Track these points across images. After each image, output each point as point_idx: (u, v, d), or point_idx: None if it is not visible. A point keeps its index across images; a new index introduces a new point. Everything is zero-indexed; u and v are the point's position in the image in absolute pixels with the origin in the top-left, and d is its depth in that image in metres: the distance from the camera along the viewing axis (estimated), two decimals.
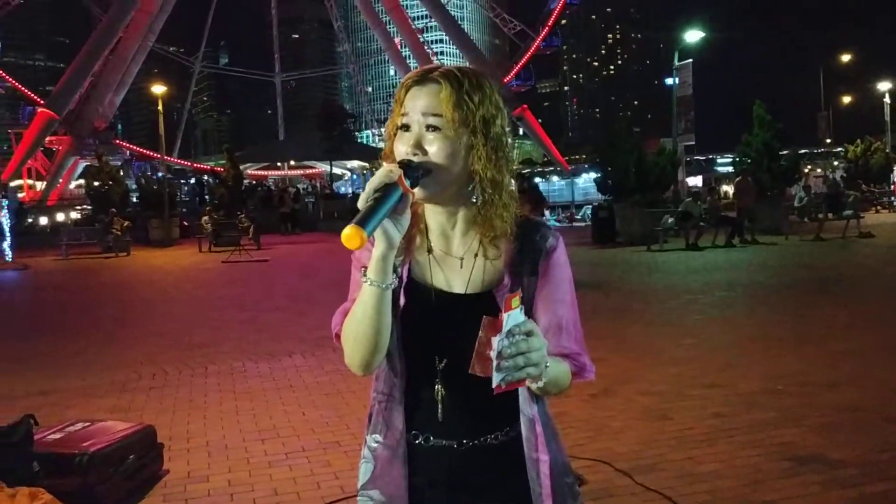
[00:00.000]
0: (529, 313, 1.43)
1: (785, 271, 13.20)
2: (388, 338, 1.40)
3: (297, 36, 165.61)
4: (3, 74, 56.10)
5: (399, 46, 73.17)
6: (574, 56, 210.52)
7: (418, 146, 1.40)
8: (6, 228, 20.89)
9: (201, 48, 76.12)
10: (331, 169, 48.17)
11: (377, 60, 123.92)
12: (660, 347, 7.32)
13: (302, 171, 57.47)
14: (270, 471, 4.39)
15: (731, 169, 28.09)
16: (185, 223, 28.49)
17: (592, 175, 29.62)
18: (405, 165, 1.35)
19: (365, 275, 1.35)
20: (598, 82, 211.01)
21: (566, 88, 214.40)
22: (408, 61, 72.59)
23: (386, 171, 1.31)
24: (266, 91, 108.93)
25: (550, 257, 1.50)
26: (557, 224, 31.58)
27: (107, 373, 7.12)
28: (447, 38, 74.19)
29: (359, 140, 72.42)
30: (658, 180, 21.32)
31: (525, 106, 64.24)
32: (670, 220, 18.53)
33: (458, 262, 1.49)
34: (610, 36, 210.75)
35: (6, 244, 20.34)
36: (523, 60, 66.78)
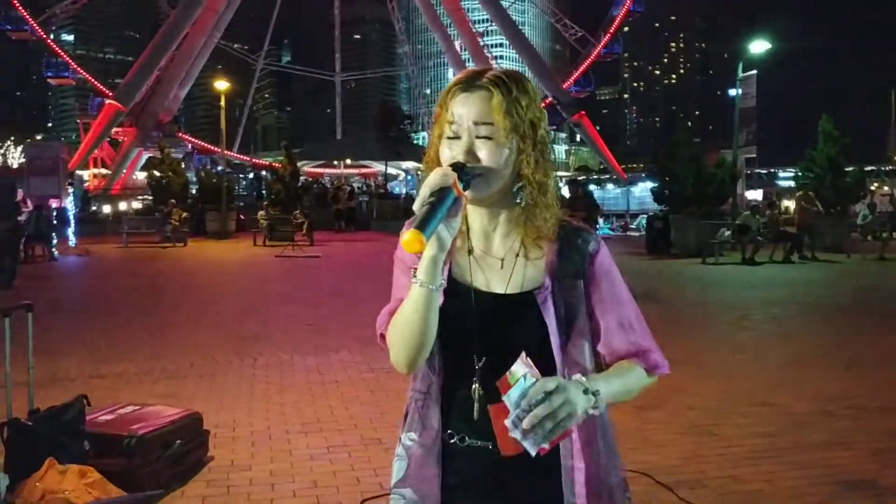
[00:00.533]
0: (581, 314, 1.47)
1: (844, 291, 12.83)
2: (433, 338, 1.42)
3: (358, 37, 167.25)
4: (75, 66, 57.90)
5: (459, 49, 73.37)
6: (636, 64, 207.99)
7: (469, 153, 1.42)
8: (70, 215, 21.57)
9: (265, 46, 77.64)
10: (385, 169, 48.51)
11: (436, 63, 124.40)
12: (709, 362, 7.18)
13: (357, 171, 57.99)
14: (311, 463, 4.45)
15: (793, 184, 27.38)
16: (242, 217, 28.99)
17: (649, 184, 29.19)
18: (458, 168, 1.37)
19: (415, 276, 1.36)
20: (659, 91, 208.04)
21: (626, 96, 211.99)
22: (467, 64, 72.76)
23: (441, 174, 1.32)
24: (326, 90, 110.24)
25: (595, 260, 1.51)
26: (611, 233, 31.25)
27: (159, 359, 7.30)
28: (507, 42, 73.98)
29: (415, 142, 72.86)
30: (716, 192, 20.91)
31: (583, 112, 63.72)
32: (727, 232, 18.17)
33: (498, 262, 1.50)
34: (673, 45, 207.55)
35: (70, 230, 21.00)
36: (583, 67, 66.29)
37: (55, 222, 19.13)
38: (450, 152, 1.43)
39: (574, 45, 73.00)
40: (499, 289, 1.48)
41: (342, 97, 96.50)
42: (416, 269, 1.37)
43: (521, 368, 1.29)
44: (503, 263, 1.49)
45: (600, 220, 31.32)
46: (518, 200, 1.48)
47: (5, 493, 3.21)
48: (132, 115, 52.74)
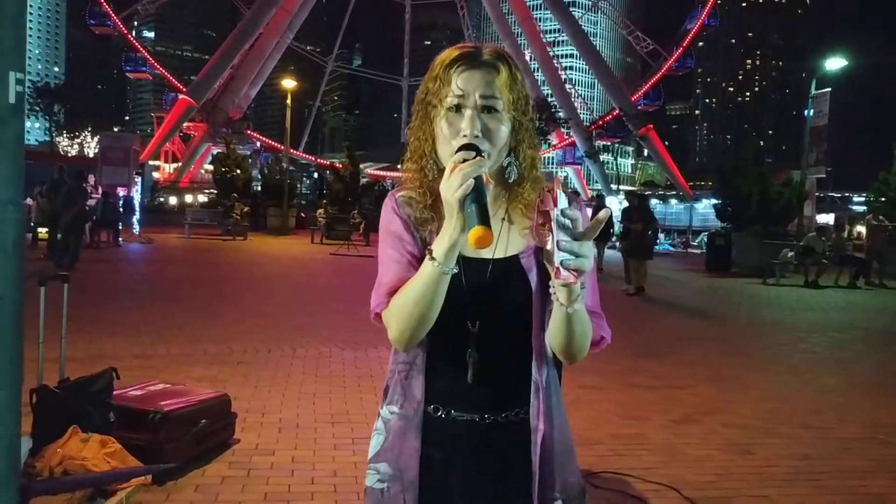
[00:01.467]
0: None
1: None
2: (436, 315, 1.40)
3: (428, 42, 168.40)
4: (153, 61, 59.88)
5: (528, 58, 73.22)
6: (709, 79, 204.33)
7: (477, 127, 1.42)
8: (136, 205, 22.23)
9: (335, 49, 78.82)
10: None
11: None
12: (755, 382, 6.95)
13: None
14: (334, 453, 4.44)
15: (866, 208, 26.44)
16: (303, 214, 29.49)
17: (714, 201, 28.58)
18: (474, 149, 1.36)
19: (431, 256, 1.35)
20: (732, 108, 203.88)
21: (697, 112, 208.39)
22: (535, 74, 72.58)
23: (476, 163, 1.31)
24: (394, 94, 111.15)
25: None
26: (672, 249, 30.69)
27: (203, 344, 7.43)
28: (577, 52, 73.51)
29: None
30: (782, 211, 20.40)
31: (650, 126, 62.89)
32: (790, 253, 17.64)
33: None
34: (749, 61, 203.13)
35: (135, 219, 21.64)
36: (653, 80, 65.48)
37: (121, 210, 19.71)
38: (452, 127, 1.43)
39: (645, 57, 72.18)
40: (486, 254, 1.46)
41: (409, 102, 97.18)
42: (430, 249, 1.36)
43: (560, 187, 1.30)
44: None
45: (661, 236, 30.80)
46: (506, 175, 1.50)
47: (29, 456, 3.28)
48: (203, 111, 54.24)
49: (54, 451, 3.23)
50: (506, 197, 1.52)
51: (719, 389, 6.55)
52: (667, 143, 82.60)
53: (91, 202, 15.90)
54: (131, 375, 5.93)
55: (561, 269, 1.24)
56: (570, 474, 1.54)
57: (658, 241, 26.09)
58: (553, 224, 1.26)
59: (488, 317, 1.44)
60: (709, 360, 7.89)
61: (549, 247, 1.28)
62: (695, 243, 31.03)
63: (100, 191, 16.76)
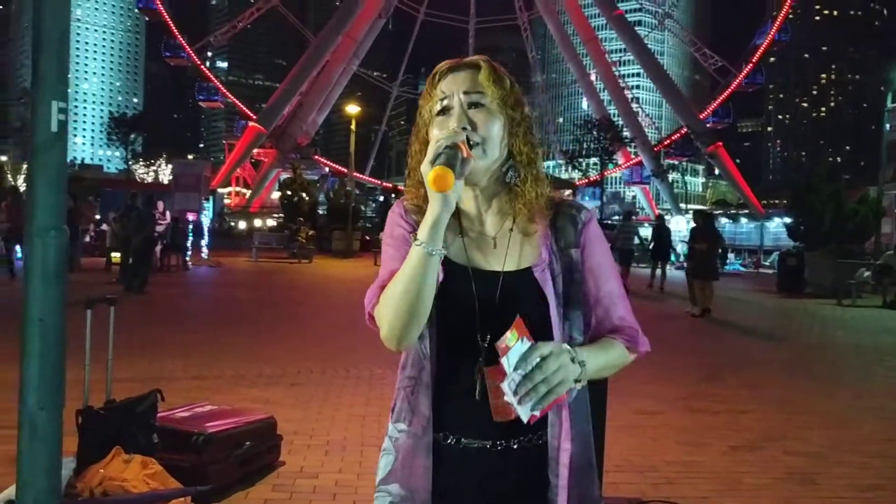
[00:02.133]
0: (576, 283, 1.46)
1: None
2: (428, 309, 1.36)
3: None
4: (224, 90, 61.77)
5: (593, 78, 72.81)
6: (781, 95, 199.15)
7: (464, 121, 1.41)
8: (205, 229, 22.84)
9: (400, 74, 79.90)
10: None
11: (570, 91, 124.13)
12: (824, 407, 6.62)
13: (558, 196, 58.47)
14: None
15: None
16: (367, 237, 29.78)
17: (786, 220, 27.72)
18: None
19: (415, 238, 1.33)
20: (806, 124, 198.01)
21: (770, 129, 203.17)
22: (600, 94, 72.08)
23: (451, 131, 1.36)
24: None
25: (588, 228, 1.50)
26: (742, 269, 29.83)
27: (259, 366, 7.51)
28: (643, 71, 72.73)
29: (545, 170, 72.51)
30: (857, 229, 19.60)
31: (719, 143, 61.62)
32: (867, 273, 16.91)
33: (491, 241, 1.48)
34: (824, 76, 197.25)
35: (204, 243, 22.22)
36: (722, 97, 64.24)
37: (191, 235, 20.28)
38: (441, 130, 1.42)
39: (714, 74, 70.94)
40: (496, 267, 1.45)
41: None
42: (415, 233, 1.35)
43: (517, 332, 1.29)
44: (496, 242, 1.48)
45: (731, 256, 30.00)
46: (508, 180, 1.48)
47: (72, 476, 3.33)
48: (272, 137, 55.62)
49: (96, 472, 3.28)
50: (511, 204, 1.48)
51: (784, 414, 6.27)
52: (738, 160, 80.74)
53: (159, 227, 16.38)
54: (187, 396, 6.05)
55: (537, 414, 1.27)
56: (588, 487, 1.49)
57: (728, 261, 25.40)
58: (509, 385, 1.26)
59: (499, 331, 1.36)
60: (775, 383, 7.58)
61: (508, 401, 1.28)
62: (766, 263, 30.07)
63: (167, 216, 17.26)
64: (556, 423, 1.42)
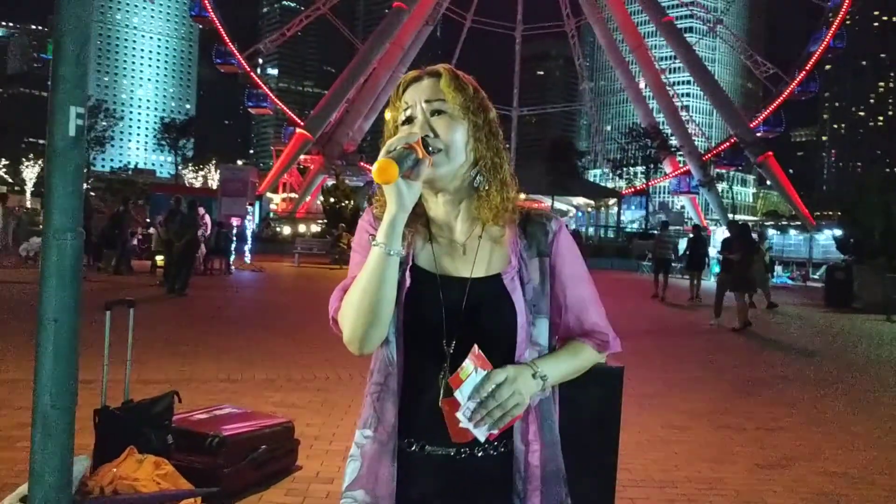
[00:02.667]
0: (545, 291, 1.48)
1: None
2: (390, 311, 1.38)
3: (541, 73, 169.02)
4: (273, 97, 62.74)
5: (641, 86, 72.08)
6: (837, 104, 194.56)
7: (425, 128, 1.44)
8: (248, 234, 23.18)
9: None
10: (552, 203, 48.27)
11: (618, 100, 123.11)
12: (860, 427, 6.42)
13: (528, 205, 58.21)
14: None
15: None
16: None
17: (836, 232, 27.03)
18: (422, 139, 1.40)
19: (373, 240, 1.36)
20: (863, 134, 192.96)
21: (825, 138, 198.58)
22: (648, 101, 71.31)
23: (406, 132, 1.38)
24: (505, 124, 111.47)
25: (559, 237, 1.52)
26: (790, 282, 29.16)
27: (289, 370, 7.59)
28: (692, 78, 71.75)
29: (590, 178, 72.07)
30: None
31: (770, 153, 60.38)
32: None
33: (461, 248, 1.49)
34: (881, 84, 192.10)
35: (247, 247, 22.55)
36: (773, 106, 63.10)
37: (234, 239, 20.60)
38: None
39: (765, 82, 69.71)
40: (465, 273, 1.46)
41: (522, 131, 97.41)
42: (373, 235, 1.37)
43: (473, 362, 1.33)
44: (465, 249, 1.49)
45: (778, 268, 29.31)
46: (476, 185, 1.48)
47: (88, 474, 3.40)
48: (319, 143, 56.26)
49: (108, 471, 3.34)
50: (479, 210, 1.49)
51: (818, 434, 6.09)
52: (790, 170, 79.13)
53: (199, 232, 16.66)
54: (216, 398, 6.14)
55: (495, 433, 1.35)
56: (558, 493, 1.50)
57: (773, 273, 24.83)
58: (463, 414, 1.32)
59: (467, 338, 1.39)
60: (811, 401, 7.38)
61: (464, 426, 1.34)
62: (815, 276, 29.36)
63: (206, 220, 17.54)
64: (521, 430, 1.44)
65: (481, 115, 1.48)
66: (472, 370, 1.32)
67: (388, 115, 1.52)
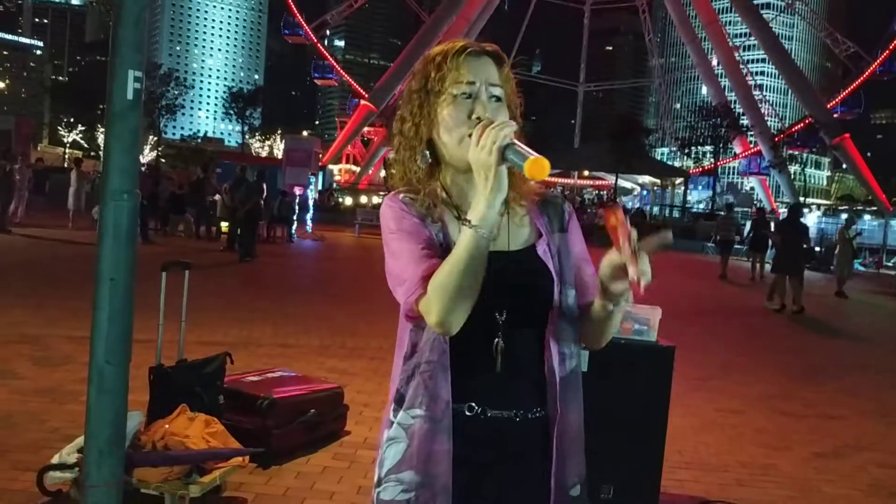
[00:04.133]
0: (567, 263, 1.56)
1: None
2: (478, 291, 1.40)
3: (610, 48, 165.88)
4: (339, 68, 63.09)
5: (714, 63, 70.07)
6: None
7: (489, 111, 1.46)
8: (310, 204, 23.47)
9: (512, 55, 79.11)
10: (616, 181, 47.52)
11: (689, 77, 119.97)
12: None
13: (591, 182, 57.47)
14: None
15: None
16: None
17: None
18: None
19: (469, 224, 1.35)
20: None
21: None
22: (720, 79, 69.31)
23: (506, 123, 1.37)
24: (573, 100, 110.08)
25: (573, 217, 1.62)
26: (862, 269, 28.12)
27: (343, 337, 7.69)
28: (766, 56, 69.39)
29: (657, 157, 70.61)
30: None
31: (846, 135, 58.13)
32: None
33: None
34: None
35: (309, 217, 22.84)
36: (852, 86, 60.71)
37: (297, 208, 20.89)
38: (459, 113, 1.46)
39: (845, 62, 67.02)
40: (501, 247, 1.49)
41: (589, 107, 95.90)
42: (465, 219, 1.36)
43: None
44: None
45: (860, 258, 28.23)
46: (508, 166, 1.45)
47: (142, 429, 3.51)
48: (383, 116, 56.39)
49: (160, 427, 3.43)
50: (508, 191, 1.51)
51: (880, 424, 5.90)
52: (868, 154, 76.15)
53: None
54: (270, 362, 6.26)
55: (639, 283, 1.33)
56: (580, 457, 1.56)
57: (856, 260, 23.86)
58: (629, 244, 1.31)
59: (514, 307, 1.45)
60: (875, 390, 7.14)
61: (627, 265, 1.32)
62: (888, 264, 28.27)
63: (264, 189, 17.85)
64: (553, 397, 1.50)
65: (517, 102, 1.55)
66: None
67: (426, 77, 1.49)
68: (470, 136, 1.39)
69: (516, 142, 1.34)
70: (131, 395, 3.84)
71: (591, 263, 1.58)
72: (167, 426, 3.47)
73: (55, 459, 3.44)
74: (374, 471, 1.53)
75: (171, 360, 4.09)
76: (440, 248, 1.44)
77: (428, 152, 1.52)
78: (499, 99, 1.48)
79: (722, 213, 24.65)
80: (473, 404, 1.45)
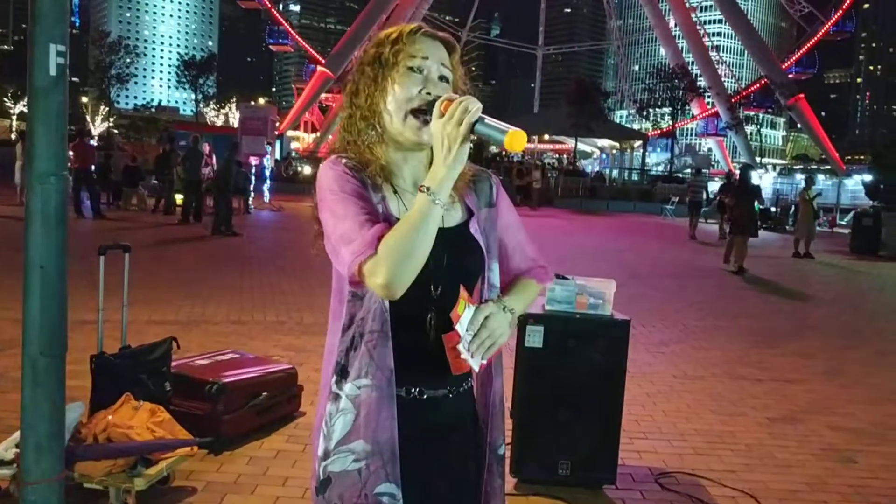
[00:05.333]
0: (494, 237, 1.64)
1: None
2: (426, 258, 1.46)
3: (568, 10, 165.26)
4: (294, 34, 61.86)
5: (671, 25, 70.20)
6: (874, 45, 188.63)
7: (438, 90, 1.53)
8: (268, 173, 23.06)
9: (469, 18, 78.53)
10: (575, 145, 47.63)
11: (647, 38, 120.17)
12: (880, 380, 6.28)
13: (552, 146, 57.53)
14: None
15: None
16: None
17: (866, 178, 26.42)
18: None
19: (429, 192, 1.39)
20: None
21: (859, 80, 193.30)
22: (678, 41, 69.52)
23: (471, 98, 1.42)
24: (532, 64, 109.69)
25: (500, 190, 1.70)
26: (818, 228, 28.60)
27: (301, 313, 7.56)
28: (723, 17, 69.69)
29: (616, 120, 70.76)
30: None
31: (801, 95, 58.92)
32: None
33: None
34: None
35: (266, 187, 22.45)
36: (807, 47, 61.41)
37: (252, 179, 20.51)
38: (411, 85, 1.51)
39: (799, 22, 67.69)
40: None
41: (547, 71, 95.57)
42: (425, 186, 1.40)
43: (466, 300, 1.49)
44: None
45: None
46: None
47: (84, 421, 3.37)
48: (340, 82, 55.54)
49: (103, 418, 3.30)
50: None
51: (834, 386, 5.97)
52: (822, 114, 77.34)
53: (205, 170, 16.62)
54: (224, 341, 6.13)
55: (484, 363, 1.53)
56: (502, 422, 1.68)
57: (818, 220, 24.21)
58: (463, 346, 1.48)
59: (447, 282, 1.50)
60: (830, 352, 7.23)
61: (464, 357, 1.49)
62: (842, 223, 28.81)
63: (213, 159, 17.44)
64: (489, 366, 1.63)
65: (463, 89, 1.60)
66: (464, 307, 1.47)
67: (378, 50, 1.55)
68: (413, 113, 1.49)
69: (486, 116, 1.39)
70: (77, 381, 3.72)
71: (522, 228, 1.73)
72: (110, 417, 3.34)
73: None
74: (316, 445, 1.54)
75: (118, 343, 3.95)
76: (381, 218, 1.45)
77: (379, 125, 1.55)
78: (447, 81, 1.55)
79: (689, 174, 26.34)
80: (412, 388, 1.51)
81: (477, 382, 1.66)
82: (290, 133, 52.74)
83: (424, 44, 1.54)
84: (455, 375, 1.53)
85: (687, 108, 58.69)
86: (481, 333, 1.48)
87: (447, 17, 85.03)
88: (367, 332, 1.48)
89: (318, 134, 58.08)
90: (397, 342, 1.48)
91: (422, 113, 1.48)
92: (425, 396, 1.52)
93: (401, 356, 1.48)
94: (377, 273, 1.37)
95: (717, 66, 66.27)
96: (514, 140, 1.37)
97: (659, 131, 61.11)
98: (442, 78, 1.54)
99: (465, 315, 1.47)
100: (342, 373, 1.50)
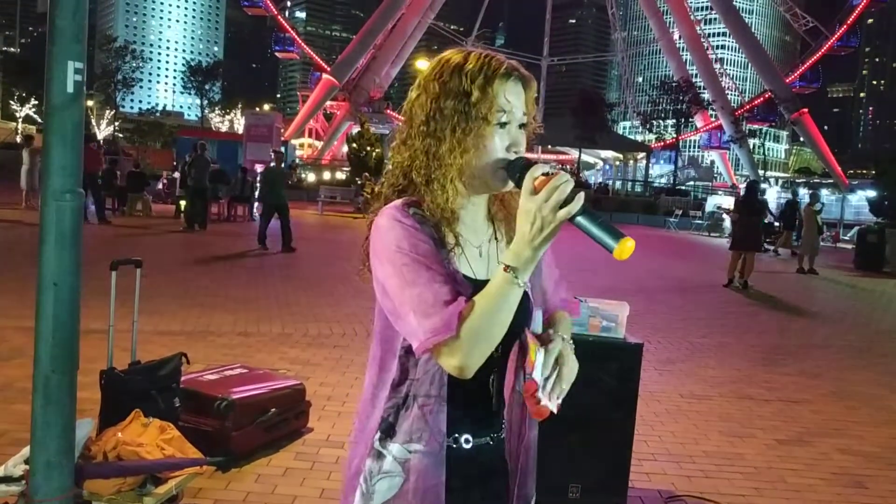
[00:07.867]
0: (537, 285, 1.58)
1: None
2: None
3: (573, 21, 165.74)
4: (300, 41, 61.97)
5: (676, 38, 70.32)
6: (877, 59, 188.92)
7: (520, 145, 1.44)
8: None
9: (475, 28, 78.63)
10: (579, 156, 47.66)
11: (651, 51, 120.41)
12: (888, 402, 6.25)
13: (555, 156, 57.55)
14: None
15: None
16: None
17: (870, 193, 26.38)
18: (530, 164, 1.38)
19: (515, 274, 1.29)
20: None
21: (863, 95, 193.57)
22: (682, 53, 69.64)
23: (567, 178, 1.28)
24: (536, 74, 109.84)
25: None
26: (822, 243, 28.53)
27: (306, 324, 7.54)
28: (728, 30, 69.81)
29: (619, 131, 70.87)
30: None
31: (804, 110, 58.94)
32: None
33: (477, 250, 1.49)
34: None
35: None
36: (811, 61, 61.49)
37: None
38: (503, 142, 1.41)
39: (804, 36, 67.77)
40: (487, 275, 1.45)
41: (553, 82, 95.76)
42: (507, 264, 1.29)
43: (535, 343, 1.43)
44: (481, 251, 1.50)
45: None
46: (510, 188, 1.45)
47: (93, 437, 3.35)
48: (345, 90, 55.79)
49: (112, 435, 3.28)
50: (497, 212, 1.55)
51: (842, 408, 5.94)
52: (825, 127, 77.39)
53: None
54: (230, 353, 6.12)
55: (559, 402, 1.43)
56: (534, 477, 1.63)
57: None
58: (543, 392, 1.40)
59: (506, 341, 1.40)
60: (837, 372, 7.20)
61: (544, 404, 1.40)
62: (846, 238, 28.78)
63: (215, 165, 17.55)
64: (518, 412, 1.57)
65: (534, 130, 1.50)
66: (535, 352, 1.41)
67: (475, 91, 1.37)
68: (505, 168, 1.38)
69: (588, 207, 1.27)
70: (85, 393, 3.70)
71: (553, 267, 1.68)
72: (119, 434, 3.32)
73: (0, 472, 3.27)
74: (350, 500, 1.49)
75: (127, 355, 3.93)
76: (450, 279, 1.36)
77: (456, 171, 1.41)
78: (523, 126, 1.44)
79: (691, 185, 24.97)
80: (459, 437, 1.46)
81: (511, 429, 1.59)
82: (294, 140, 52.79)
83: (510, 89, 1.40)
84: (496, 421, 1.52)
85: (690, 120, 58.75)
86: (562, 374, 1.41)
87: (452, 27, 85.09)
88: (423, 396, 1.42)
89: (323, 141, 58.18)
90: (451, 403, 1.42)
91: (507, 170, 1.39)
92: (470, 445, 1.47)
93: (458, 409, 1.44)
94: (454, 355, 1.30)
95: (721, 79, 66.35)
96: (625, 251, 1.24)
97: (662, 143, 61.16)
98: (521, 126, 1.43)
99: (537, 360, 1.41)
100: (388, 431, 1.45)
